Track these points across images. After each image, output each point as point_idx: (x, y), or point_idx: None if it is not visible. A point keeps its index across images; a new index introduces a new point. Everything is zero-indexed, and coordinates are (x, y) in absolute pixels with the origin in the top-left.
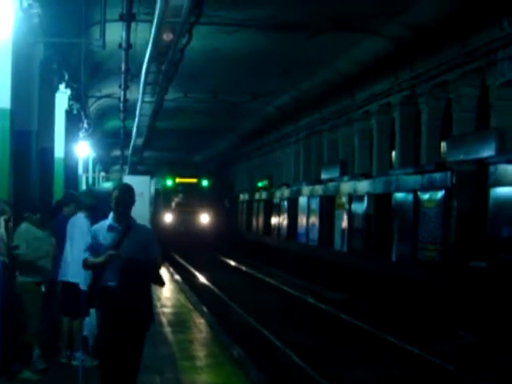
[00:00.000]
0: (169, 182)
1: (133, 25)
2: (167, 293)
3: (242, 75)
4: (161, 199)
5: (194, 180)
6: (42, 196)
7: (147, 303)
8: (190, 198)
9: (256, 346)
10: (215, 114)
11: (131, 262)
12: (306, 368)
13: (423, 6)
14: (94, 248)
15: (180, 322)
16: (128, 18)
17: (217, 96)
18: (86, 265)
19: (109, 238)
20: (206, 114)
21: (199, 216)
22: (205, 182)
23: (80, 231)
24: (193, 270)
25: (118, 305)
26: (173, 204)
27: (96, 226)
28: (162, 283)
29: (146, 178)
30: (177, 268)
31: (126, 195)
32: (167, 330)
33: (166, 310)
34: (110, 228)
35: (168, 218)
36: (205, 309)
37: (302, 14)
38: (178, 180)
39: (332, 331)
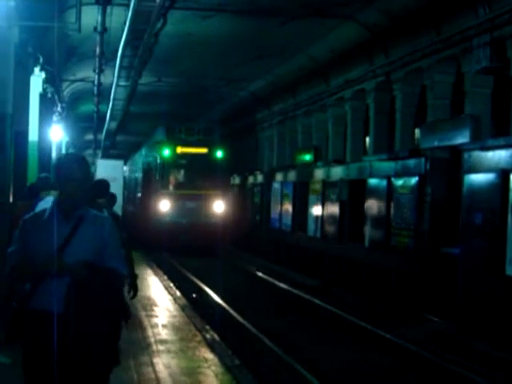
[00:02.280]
0: (166, 152)
1: (108, 8)
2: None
3: (216, 60)
4: (153, 178)
5: (204, 150)
6: (16, 180)
7: (109, 340)
8: (198, 177)
9: (229, 331)
10: (189, 98)
11: (86, 274)
12: (280, 354)
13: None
14: (23, 249)
15: None
16: (104, 2)
17: (190, 80)
18: (14, 275)
19: (48, 233)
20: (180, 98)
21: (211, 203)
22: (219, 153)
23: None
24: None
25: (59, 342)
26: (171, 185)
27: (30, 216)
28: (126, 315)
29: (120, 163)
30: (182, 285)
31: (74, 168)
32: None
33: None
34: (50, 218)
35: (164, 205)
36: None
37: (277, 0)
38: (180, 149)
39: (305, 317)
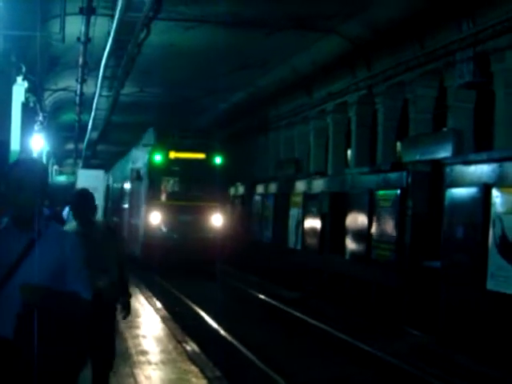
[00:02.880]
0: (157, 158)
1: (91, 19)
2: None
3: (199, 71)
4: (142, 187)
5: (201, 155)
6: None
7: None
8: (194, 186)
9: (210, 342)
10: (170, 109)
11: (38, 300)
12: (261, 366)
13: (382, 7)
14: None
15: None
16: (88, 12)
17: (173, 91)
18: None
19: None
20: (162, 108)
21: (208, 215)
22: (218, 159)
23: None
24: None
25: (11, 373)
26: (163, 195)
27: None
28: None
29: (101, 172)
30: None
31: (27, 175)
32: None
33: None
34: (3, 234)
35: (154, 218)
36: None
37: (260, 12)
38: (173, 154)
39: (285, 329)
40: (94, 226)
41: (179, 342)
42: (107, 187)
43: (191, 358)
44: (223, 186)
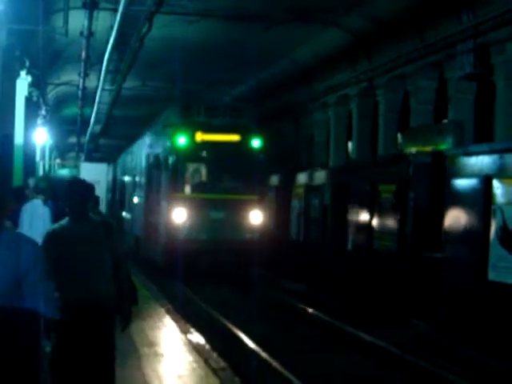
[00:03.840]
0: (181, 141)
1: (94, 13)
2: None
3: (201, 64)
4: (163, 176)
5: (235, 137)
6: (1, 183)
7: None
8: (227, 175)
9: (216, 334)
10: (173, 102)
11: None
12: (267, 358)
13: None
14: None
15: None
16: (91, 6)
17: (175, 85)
18: None
19: None
20: (164, 102)
21: (245, 212)
22: (255, 142)
23: (41, 219)
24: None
25: None
26: (189, 186)
27: None
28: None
29: (103, 166)
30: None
31: None
32: None
33: None
34: None
35: (178, 215)
36: None
37: (262, 5)
38: (200, 136)
39: (290, 321)
40: (88, 221)
41: None
42: (114, 179)
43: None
44: (262, 175)
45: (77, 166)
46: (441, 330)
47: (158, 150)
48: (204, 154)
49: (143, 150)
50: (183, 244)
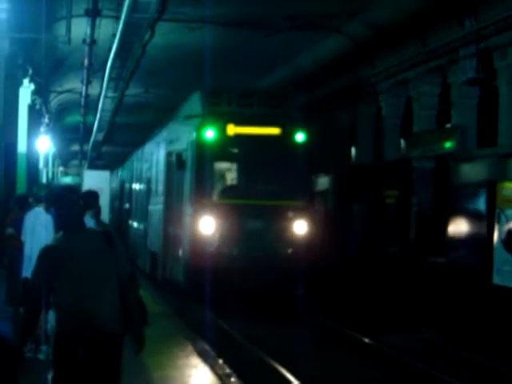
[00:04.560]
0: (209, 135)
1: (96, 20)
2: None
3: (203, 71)
4: (185, 179)
5: (275, 130)
6: (6, 191)
7: None
8: (266, 176)
9: (217, 339)
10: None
11: None
12: (270, 362)
13: (384, 5)
14: None
15: None
16: (93, 14)
17: (177, 92)
18: None
19: None
20: (166, 109)
21: (287, 221)
22: (299, 136)
23: (44, 226)
24: None
25: None
26: (219, 190)
27: None
28: None
29: (106, 173)
30: None
31: None
32: None
33: None
34: None
35: (206, 226)
36: None
37: (263, 12)
38: (232, 129)
39: (291, 325)
40: (85, 233)
41: None
42: (121, 185)
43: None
44: (308, 176)
45: (80, 174)
46: (446, 335)
47: (181, 146)
48: (237, 150)
49: (160, 147)
50: (212, 262)
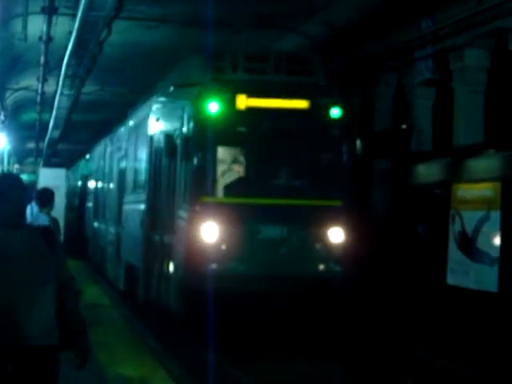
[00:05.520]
0: (214, 108)
1: (53, 18)
2: None
3: (159, 70)
4: (178, 170)
5: (303, 103)
6: None
7: None
8: (290, 166)
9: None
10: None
11: None
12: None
13: (341, 6)
14: None
15: None
16: (50, 11)
17: (133, 90)
18: None
19: None
20: (122, 107)
21: (321, 228)
22: (335, 112)
23: None
24: None
25: None
26: (226, 185)
27: None
28: None
29: (62, 171)
30: None
31: None
32: None
33: None
34: None
35: (209, 232)
36: None
37: (220, 11)
38: (246, 102)
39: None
40: (23, 231)
41: None
42: (83, 179)
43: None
44: (350, 166)
45: (35, 172)
46: (399, 334)
47: (171, 125)
48: (250, 130)
49: (140, 129)
50: (215, 282)
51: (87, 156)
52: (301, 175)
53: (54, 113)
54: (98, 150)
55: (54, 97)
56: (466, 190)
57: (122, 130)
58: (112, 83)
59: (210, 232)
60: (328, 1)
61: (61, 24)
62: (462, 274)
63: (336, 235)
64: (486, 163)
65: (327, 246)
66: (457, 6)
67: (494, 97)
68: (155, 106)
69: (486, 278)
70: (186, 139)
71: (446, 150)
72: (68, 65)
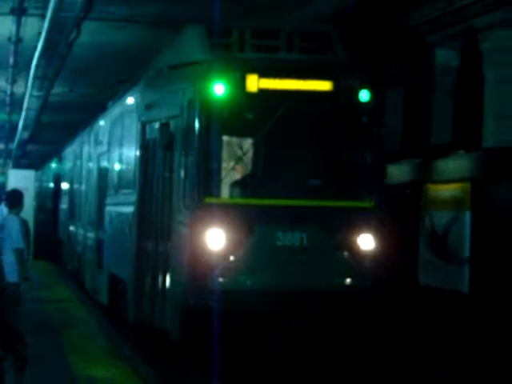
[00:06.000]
0: (219, 90)
1: (22, 19)
2: None
3: (128, 71)
4: (181, 164)
5: (324, 85)
6: None
7: None
8: (310, 160)
9: None
10: (101, 108)
11: None
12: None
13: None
14: None
15: None
16: (19, 12)
17: (102, 91)
18: None
19: None
20: (91, 108)
21: (348, 234)
22: (363, 95)
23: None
24: None
25: None
26: (235, 184)
27: None
28: None
29: (31, 172)
30: None
31: None
32: None
33: None
34: None
35: (215, 240)
36: None
37: (188, 11)
38: (258, 83)
39: None
40: None
41: None
42: (56, 179)
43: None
44: (379, 162)
45: (4, 173)
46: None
47: (167, 112)
48: (263, 117)
49: (127, 118)
50: (223, 300)
51: (61, 155)
52: (324, 171)
53: (24, 114)
54: (73, 147)
55: (23, 98)
56: (436, 191)
57: (103, 123)
58: (81, 84)
59: (216, 239)
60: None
61: (30, 25)
62: (432, 273)
63: (366, 242)
64: (455, 164)
65: (355, 256)
66: (428, 7)
67: (463, 97)
68: (146, 92)
69: (456, 279)
70: (187, 128)
71: (416, 150)
72: (37, 66)
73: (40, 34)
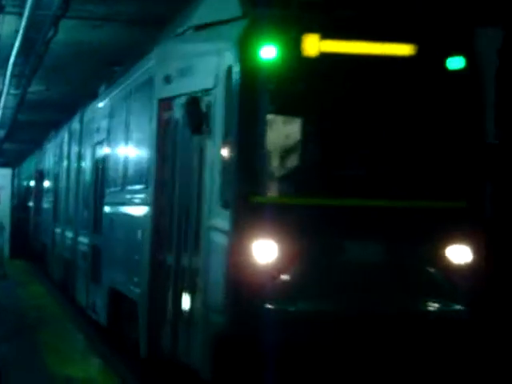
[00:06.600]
0: (269, 53)
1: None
2: None
3: (106, 69)
4: (212, 149)
5: (403, 49)
6: None
7: None
8: (388, 148)
9: None
10: (77, 107)
11: None
12: None
13: None
14: None
15: None
16: None
17: (78, 90)
18: None
19: None
20: (68, 107)
21: (440, 242)
22: (456, 62)
23: None
24: None
25: None
26: (290, 176)
27: None
28: None
29: (8, 171)
30: None
31: None
32: None
33: None
34: None
35: (265, 252)
36: None
37: (165, 10)
38: (317, 45)
39: None
40: None
41: None
42: (39, 175)
43: None
44: (476, 150)
45: None
46: None
47: (197, 84)
48: (326, 89)
49: (138, 98)
50: (275, 330)
51: (43, 149)
52: (404, 161)
53: (0, 112)
54: (59, 138)
55: (0, 96)
56: None
57: (99, 107)
58: (58, 83)
59: (266, 250)
60: None
61: (7, 23)
62: None
63: (461, 253)
64: None
65: (448, 271)
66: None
67: None
68: (163, 60)
69: None
70: (224, 105)
71: None
72: (14, 64)
73: (17, 31)
